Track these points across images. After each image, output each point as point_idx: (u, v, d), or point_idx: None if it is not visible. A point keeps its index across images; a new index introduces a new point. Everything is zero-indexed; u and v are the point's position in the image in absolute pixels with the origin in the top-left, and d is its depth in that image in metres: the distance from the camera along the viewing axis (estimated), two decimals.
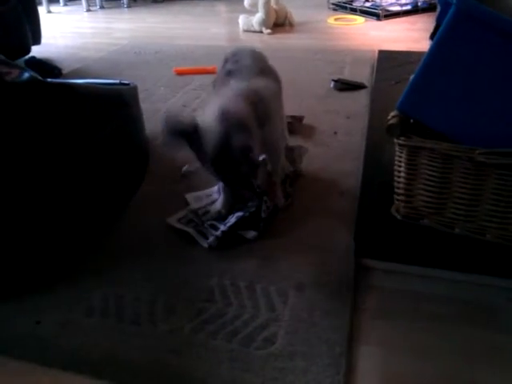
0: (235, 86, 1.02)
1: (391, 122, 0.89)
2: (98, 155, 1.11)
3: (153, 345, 0.81)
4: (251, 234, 1.05)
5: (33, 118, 0.98)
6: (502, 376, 0.75)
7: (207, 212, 1.13)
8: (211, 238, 1.03)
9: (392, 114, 0.91)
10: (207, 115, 0.91)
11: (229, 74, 1.11)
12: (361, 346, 0.80)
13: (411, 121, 0.93)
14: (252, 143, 0.89)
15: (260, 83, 1.05)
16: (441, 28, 0.78)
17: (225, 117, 0.88)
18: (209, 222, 1.08)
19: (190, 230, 1.07)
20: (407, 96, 0.87)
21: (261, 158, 1.04)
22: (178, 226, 1.09)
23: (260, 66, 1.14)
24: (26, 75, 1.00)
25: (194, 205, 1.16)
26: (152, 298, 0.90)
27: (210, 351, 0.79)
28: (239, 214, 1.07)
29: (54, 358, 0.79)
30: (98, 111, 1.14)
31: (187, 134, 0.88)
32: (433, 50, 0.81)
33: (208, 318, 0.85)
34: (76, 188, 1.04)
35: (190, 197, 1.19)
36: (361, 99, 1.76)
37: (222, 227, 1.05)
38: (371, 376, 0.76)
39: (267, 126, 1.00)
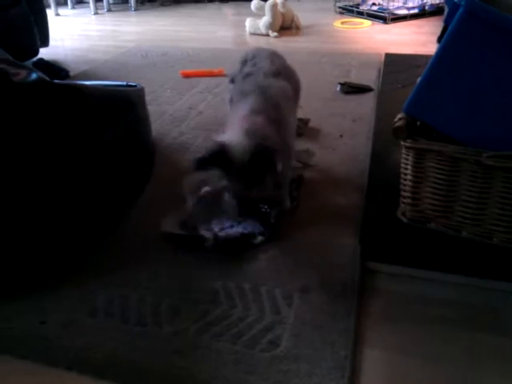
0: (252, 101, 1.04)
1: (398, 124, 0.89)
2: (104, 156, 1.12)
3: (157, 346, 0.81)
4: (258, 239, 1.04)
5: (40, 118, 0.99)
6: (508, 381, 0.74)
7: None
8: (208, 242, 1.02)
9: (399, 116, 0.91)
10: (231, 135, 0.95)
11: (246, 76, 1.15)
12: (366, 349, 0.80)
13: (418, 123, 0.92)
14: (277, 154, 0.92)
15: (274, 89, 1.08)
16: (448, 30, 0.78)
17: (250, 131, 0.92)
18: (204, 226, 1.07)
19: (183, 232, 1.06)
20: (414, 98, 0.87)
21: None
22: (173, 230, 1.07)
23: (277, 68, 1.16)
24: (34, 76, 1.00)
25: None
26: (157, 299, 0.90)
27: (214, 353, 0.79)
28: (246, 227, 1.06)
29: (57, 357, 0.79)
30: (105, 112, 1.15)
31: (216, 153, 0.91)
32: (440, 51, 0.81)
33: (213, 320, 0.85)
34: (82, 188, 1.05)
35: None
36: (367, 102, 1.76)
37: (222, 232, 1.04)
38: (376, 379, 0.75)
39: (282, 130, 1.02)
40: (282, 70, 1.17)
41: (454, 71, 0.82)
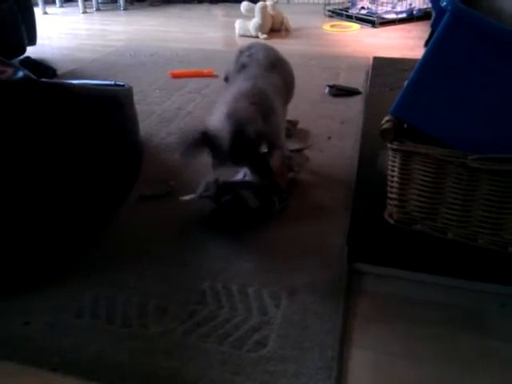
0: (240, 86, 1.09)
1: (385, 126, 0.90)
2: (91, 155, 1.11)
3: (143, 347, 0.80)
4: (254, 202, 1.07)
5: (26, 116, 0.98)
6: (493, 381, 0.75)
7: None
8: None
9: (386, 118, 0.92)
10: (214, 119, 0.99)
11: (242, 67, 1.17)
12: (353, 349, 0.80)
13: (405, 126, 0.93)
14: (260, 130, 0.98)
15: (264, 80, 1.11)
16: (435, 34, 0.79)
17: (231, 116, 0.97)
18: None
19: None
20: (401, 101, 0.88)
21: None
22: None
23: (271, 60, 1.17)
24: (20, 74, 0.99)
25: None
26: (143, 299, 0.90)
27: (201, 354, 0.78)
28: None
29: (42, 359, 0.78)
30: (92, 111, 1.14)
31: (199, 140, 0.96)
32: (427, 55, 0.82)
33: (200, 321, 0.85)
34: (68, 187, 1.04)
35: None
36: (355, 105, 1.77)
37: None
38: (363, 380, 0.75)
39: (270, 119, 1.05)
40: (276, 63, 1.19)
41: (440, 75, 0.83)
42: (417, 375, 0.76)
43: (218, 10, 3.92)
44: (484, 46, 0.77)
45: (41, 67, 2.26)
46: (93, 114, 1.14)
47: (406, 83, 0.87)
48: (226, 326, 0.83)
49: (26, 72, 1.02)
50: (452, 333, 0.83)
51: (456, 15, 0.76)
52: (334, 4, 3.51)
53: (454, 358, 0.78)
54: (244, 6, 3.05)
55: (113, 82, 1.43)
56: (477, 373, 0.76)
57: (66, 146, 1.03)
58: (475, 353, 0.80)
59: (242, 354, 0.78)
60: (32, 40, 2.42)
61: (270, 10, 2.93)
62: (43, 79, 1.05)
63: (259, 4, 2.90)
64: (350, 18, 3.26)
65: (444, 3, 0.75)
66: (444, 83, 0.83)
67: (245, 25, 2.96)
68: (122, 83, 1.42)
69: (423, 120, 0.88)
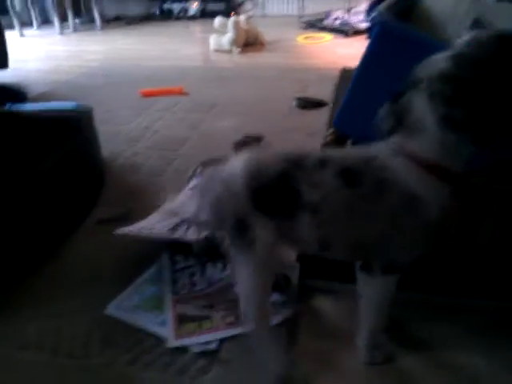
0: None
1: (328, 139, 0.89)
2: (43, 181, 1.09)
3: (87, 379, 0.78)
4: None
5: None
6: None
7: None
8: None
9: (330, 130, 0.91)
10: None
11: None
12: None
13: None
14: None
15: None
16: (367, 46, 0.78)
17: None
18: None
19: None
20: (341, 113, 0.87)
21: None
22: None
23: None
24: None
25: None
26: (90, 329, 0.87)
27: (144, 383, 0.76)
28: None
29: None
30: (43, 137, 1.12)
31: None
32: (361, 66, 0.81)
33: (145, 349, 0.82)
34: (19, 214, 1.01)
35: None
36: (322, 117, 1.76)
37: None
38: None
39: None
40: None
41: (375, 84, 0.81)
42: None
43: (195, 27, 3.94)
44: (413, 54, 0.76)
45: (11, 91, 2.24)
46: (44, 140, 1.12)
47: (345, 94, 0.86)
48: (172, 354, 0.81)
49: None
50: None
51: (385, 29, 0.75)
52: (309, 15, 3.53)
53: None
54: (217, 21, 3.06)
55: (74, 104, 1.42)
56: None
57: (12, 174, 1.01)
58: None
59: (183, 380, 0.75)
60: (3, 64, 2.40)
61: (243, 25, 2.94)
62: None
63: (232, 19, 2.92)
64: (323, 29, 3.28)
65: (372, 17, 0.75)
66: (379, 92, 0.81)
67: (219, 40, 2.97)
68: (81, 104, 1.41)
69: (362, 131, 0.86)
